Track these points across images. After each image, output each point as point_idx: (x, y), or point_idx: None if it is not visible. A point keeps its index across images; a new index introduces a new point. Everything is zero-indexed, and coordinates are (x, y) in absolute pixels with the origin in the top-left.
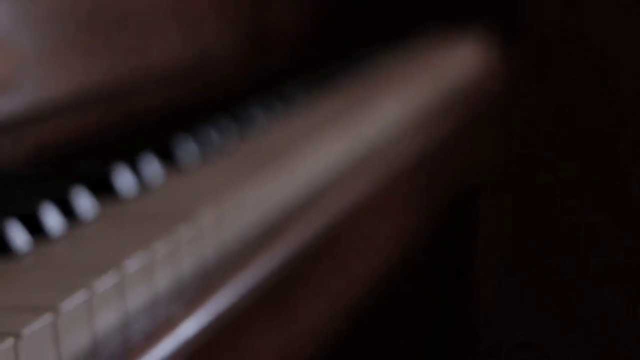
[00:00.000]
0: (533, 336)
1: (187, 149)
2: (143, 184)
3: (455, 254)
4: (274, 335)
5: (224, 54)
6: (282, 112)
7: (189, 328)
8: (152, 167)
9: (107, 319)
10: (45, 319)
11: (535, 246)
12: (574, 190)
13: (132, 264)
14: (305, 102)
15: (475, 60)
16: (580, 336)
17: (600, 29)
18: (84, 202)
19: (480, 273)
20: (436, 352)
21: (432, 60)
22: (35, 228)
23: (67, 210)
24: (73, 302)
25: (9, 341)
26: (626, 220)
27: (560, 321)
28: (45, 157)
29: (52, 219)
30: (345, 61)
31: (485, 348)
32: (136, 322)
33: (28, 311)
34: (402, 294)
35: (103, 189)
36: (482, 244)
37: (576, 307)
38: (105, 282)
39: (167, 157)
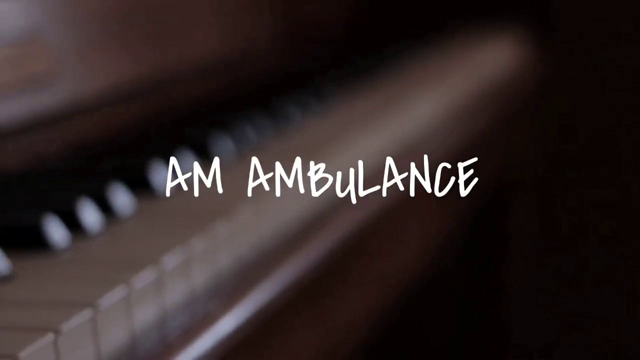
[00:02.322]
0: (560, 336)
1: (223, 145)
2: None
3: (487, 252)
4: (310, 331)
5: (260, 49)
6: (318, 108)
7: (226, 324)
8: (188, 163)
9: (145, 315)
10: (85, 314)
11: (567, 246)
12: (607, 189)
13: (170, 260)
14: (341, 99)
15: (510, 57)
16: (607, 337)
17: (635, 27)
18: (122, 198)
19: (511, 272)
20: (466, 349)
21: (467, 57)
22: (73, 224)
23: (105, 207)
24: (112, 298)
25: (49, 336)
26: None
27: (583, 321)
28: (82, 153)
29: (90, 215)
30: (379, 58)
31: (514, 347)
32: (174, 318)
33: (67, 307)
34: (434, 293)
35: (140, 185)
36: (514, 243)
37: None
38: (144, 278)
39: (203, 153)
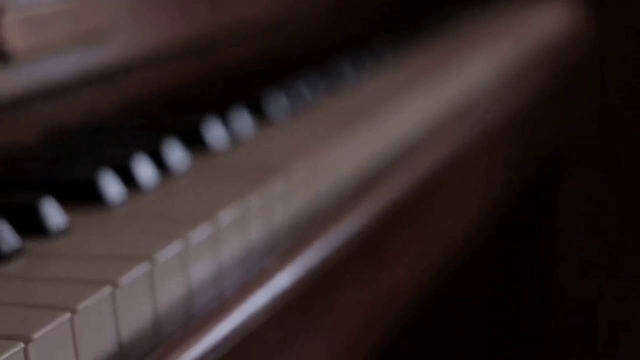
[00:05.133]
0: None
1: (277, 103)
2: (234, 137)
3: (538, 219)
4: (364, 289)
5: (314, 9)
6: (371, 68)
7: (282, 280)
8: (243, 120)
9: (201, 270)
10: (142, 268)
11: (618, 211)
12: None
13: (226, 216)
14: (394, 59)
15: (563, 18)
16: None
17: None
18: (177, 154)
19: (561, 234)
20: (515, 317)
21: (520, 18)
22: (128, 179)
23: (160, 162)
24: (169, 252)
25: (107, 289)
26: None
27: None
28: (137, 108)
29: (145, 170)
30: (433, 19)
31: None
32: (230, 274)
33: (124, 260)
34: (486, 256)
35: (195, 142)
36: (564, 209)
37: None
38: (200, 233)
39: (258, 110)
